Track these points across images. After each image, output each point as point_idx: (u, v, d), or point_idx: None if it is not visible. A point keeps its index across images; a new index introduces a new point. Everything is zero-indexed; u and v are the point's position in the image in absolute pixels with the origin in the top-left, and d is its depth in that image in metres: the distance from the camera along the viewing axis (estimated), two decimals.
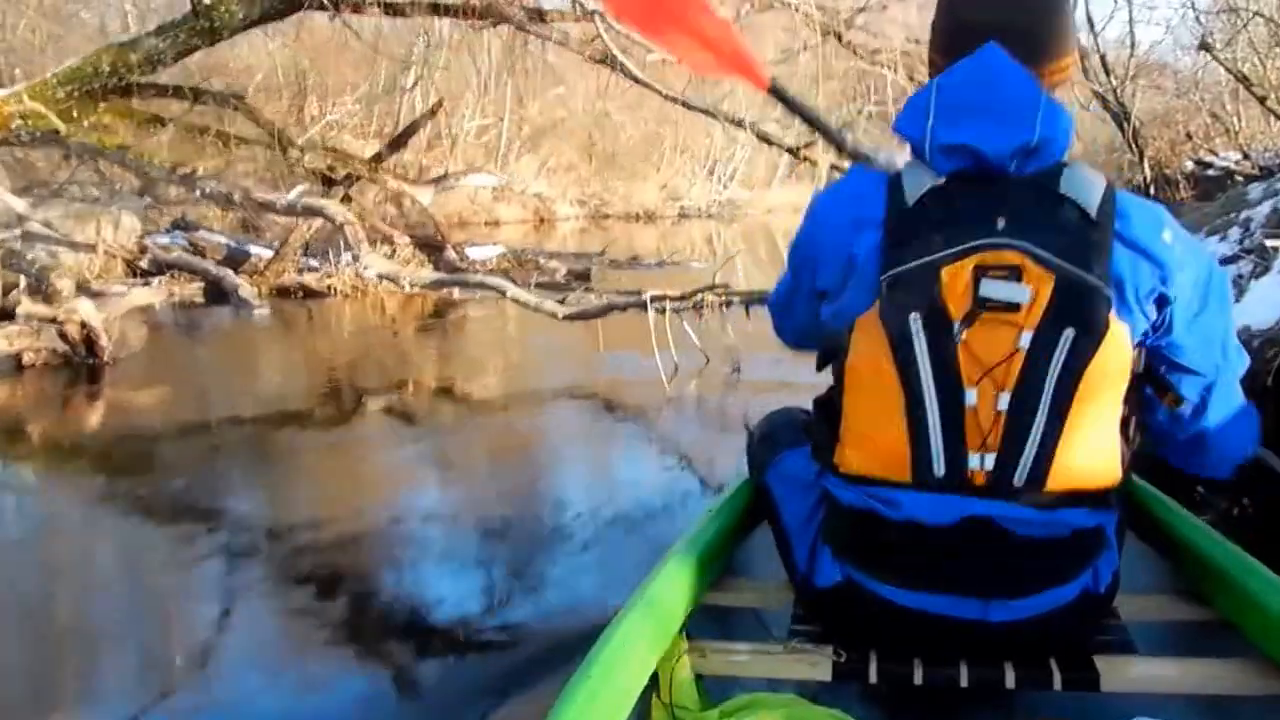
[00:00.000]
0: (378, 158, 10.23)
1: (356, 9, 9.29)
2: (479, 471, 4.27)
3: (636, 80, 8.80)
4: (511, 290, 6.59)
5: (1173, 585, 1.96)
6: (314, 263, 10.36)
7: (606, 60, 8.65)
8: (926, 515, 1.55)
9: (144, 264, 10.00)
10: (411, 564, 3.13)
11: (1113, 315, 1.51)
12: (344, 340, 7.90)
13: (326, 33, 21.48)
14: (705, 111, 9.58)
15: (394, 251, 10.10)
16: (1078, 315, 1.49)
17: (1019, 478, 1.52)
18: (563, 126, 23.50)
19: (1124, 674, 1.62)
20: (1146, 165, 9.83)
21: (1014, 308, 1.48)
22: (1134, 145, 10.13)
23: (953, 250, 1.50)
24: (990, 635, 1.58)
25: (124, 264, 10.12)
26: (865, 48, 10.84)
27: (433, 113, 10.62)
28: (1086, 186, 1.52)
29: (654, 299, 6.15)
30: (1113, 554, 1.65)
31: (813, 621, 1.78)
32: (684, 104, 9.50)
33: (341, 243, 8.03)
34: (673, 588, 1.73)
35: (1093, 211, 1.51)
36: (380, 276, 7.42)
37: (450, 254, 10.38)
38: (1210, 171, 9.57)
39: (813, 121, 1.67)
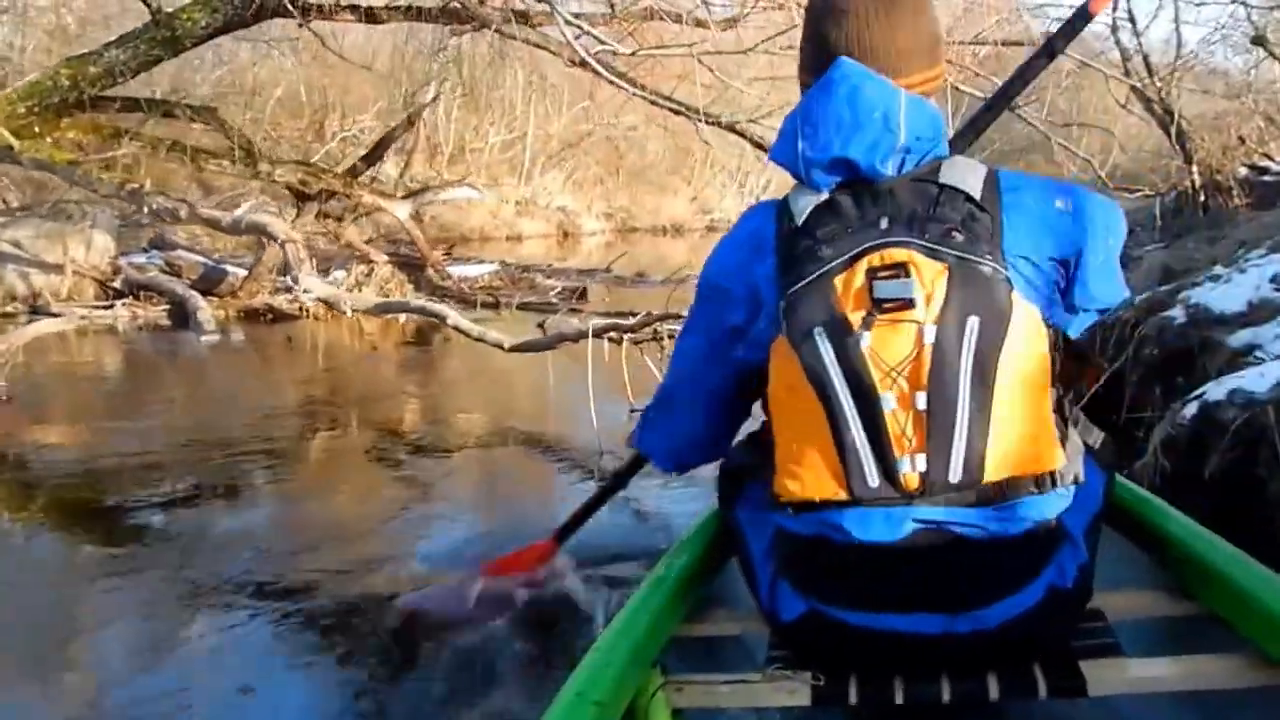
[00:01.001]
0: (353, 172, 9.47)
1: (325, 15, 8.53)
2: (400, 529, 3.57)
3: (614, 83, 7.97)
4: (452, 318, 5.79)
5: (1157, 582, 1.91)
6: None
7: (585, 64, 7.84)
8: (873, 534, 1.51)
9: (116, 284, 9.37)
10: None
11: (1017, 295, 1.49)
12: (298, 367, 7.11)
13: (349, 51, 21.25)
14: (680, 111, 8.70)
15: (371, 270, 9.32)
16: (978, 302, 1.46)
17: (953, 474, 1.47)
18: (589, 140, 22.69)
19: (1112, 676, 1.58)
20: (1195, 170, 8.90)
21: (909, 304, 1.45)
22: (1181, 149, 9.16)
23: (842, 259, 1.49)
24: (965, 647, 1.53)
25: (96, 285, 9.50)
26: None
27: (410, 123, 9.82)
28: (967, 174, 1.53)
29: (610, 328, 5.31)
30: (1077, 548, 1.59)
31: (789, 649, 1.70)
32: (671, 108, 8.65)
33: (298, 261, 7.23)
34: (645, 621, 1.68)
35: (977, 195, 1.50)
36: (318, 300, 6.61)
37: (431, 273, 9.58)
38: (1266, 177, 8.68)
39: None
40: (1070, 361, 1.67)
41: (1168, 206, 9.18)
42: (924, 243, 1.47)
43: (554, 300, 9.39)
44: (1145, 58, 9.96)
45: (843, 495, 1.51)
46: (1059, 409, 1.61)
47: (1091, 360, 1.80)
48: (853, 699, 1.58)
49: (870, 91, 1.52)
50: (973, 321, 1.45)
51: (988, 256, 1.47)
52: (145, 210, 7.24)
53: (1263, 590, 1.63)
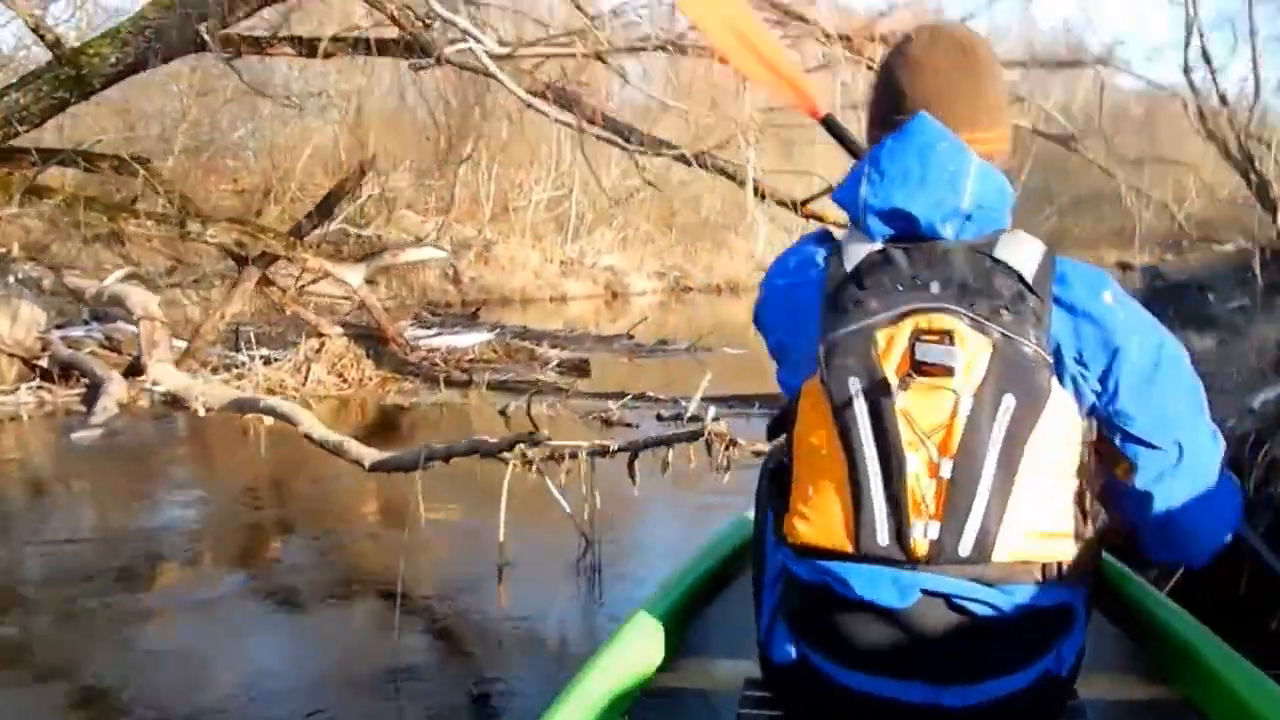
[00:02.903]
0: (297, 232, 7.96)
1: (259, 50, 7.09)
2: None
3: (575, 125, 6.38)
4: (305, 424, 4.22)
5: (1135, 664, 1.84)
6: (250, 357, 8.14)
7: (550, 96, 6.31)
8: (875, 595, 1.42)
9: (44, 362, 7.96)
10: None
11: (1054, 383, 1.43)
12: (163, 477, 5.53)
13: (380, 105, 20.19)
14: (625, 146, 7.06)
15: (322, 346, 7.75)
16: (1017, 381, 1.40)
17: (963, 548, 1.39)
18: (640, 196, 21.09)
19: None
20: None
21: (949, 372, 1.38)
22: (1263, 199, 8.23)
23: (888, 315, 1.42)
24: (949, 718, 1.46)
25: (20, 363, 8.10)
26: None
27: (362, 172, 8.25)
28: (1024, 252, 1.46)
29: (527, 440, 3.72)
30: (1077, 635, 1.52)
31: (765, 705, 1.63)
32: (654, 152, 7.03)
33: (150, 345, 5.62)
34: (615, 672, 1.62)
35: (1030, 277, 1.44)
36: (166, 395, 4.97)
37: (395, 346, 7.99)
38: None
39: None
40: (1099, 459, 1.55)
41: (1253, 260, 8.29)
42: (972, 314, 1.40)
43: (540, 378, 7.73)
44: (1223, 97, 8.95)
45: (849, 549, 1.42)
46: (1080, 501, 1.49)
47: (1123, 457, 1.48)
48: None
49: (943, 149, 1.47)
50: (1008, 400, 1.39)
51: (1032, 339, 1.41)
52: (10, 279, 5.71)
53: (1239, 680, 1.58)
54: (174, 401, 5.04)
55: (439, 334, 9.48)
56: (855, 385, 1.41)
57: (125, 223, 7.54)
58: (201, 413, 4.68)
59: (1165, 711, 1.72)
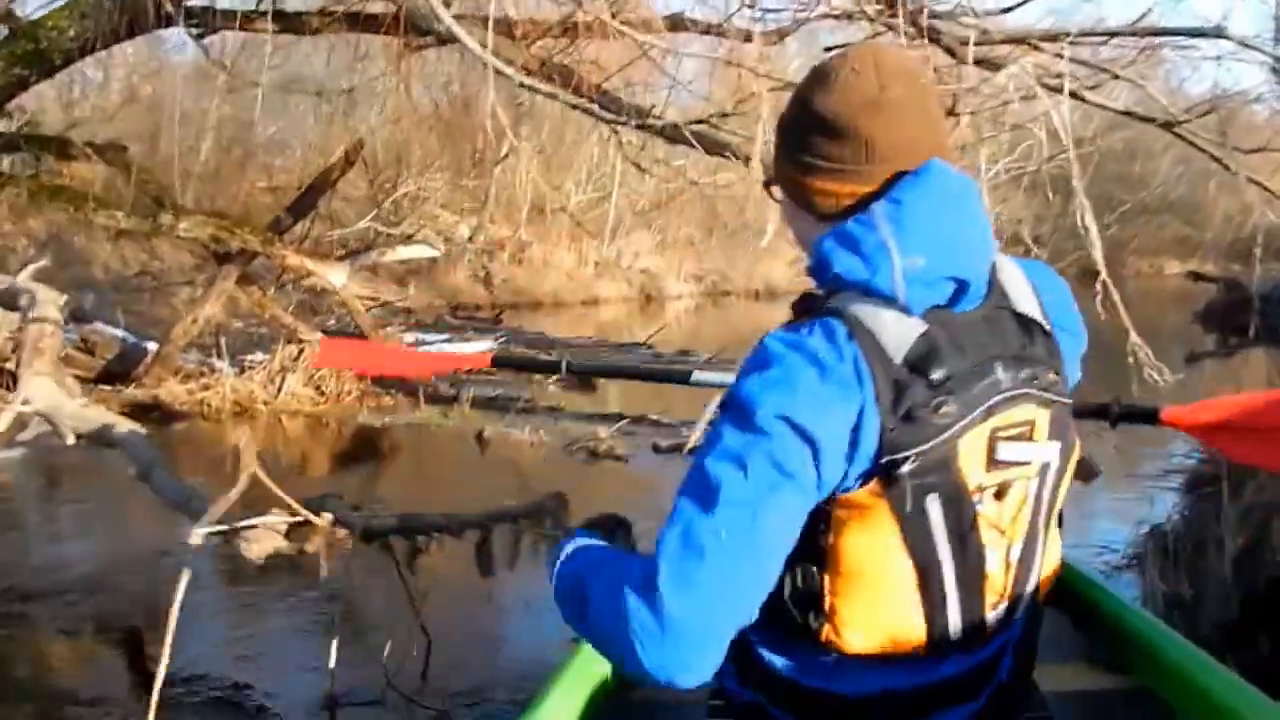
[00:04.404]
0: (277, 226, 7.08)
1: (236, 26, 6.27)
2: None
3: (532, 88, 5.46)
4: (156, 477, 3.21)
5: (1090, 655, 1.87)
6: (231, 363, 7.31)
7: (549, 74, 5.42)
8: (891, 682, 1.32)
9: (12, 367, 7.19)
10: None
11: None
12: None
13: (424, 103, 19.38)
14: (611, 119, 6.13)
15: (301, 352, 6.90)
16: (1064, 440, 1.32)
17: (1019, 613, 1.36)
18: (682, 199, 20.12)
19: None
20: None
21: (1027, 464, 1.28)
22: None
23: (969, 418, 1.22)
24: None
25: None
26: None
27: (349, 161, 7.35)
28: (1016, 285, 1.33)
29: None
30: (1016, 635, 1.42)
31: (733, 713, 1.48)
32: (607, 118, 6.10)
33: (33, 354, 4.74)
34: (581, 683, 1.59)
35: (1041, 320, 1.32)
36: (38, 415, 4.07)
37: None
38: None
39: None
40: None
41: None
42: (1038, 392, 1.28)
43: (526, 397, 6.81)
44: None
45: (920, 654, 1.29)
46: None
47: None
48: None
49: (973, 202, 1.28)
50: (1057, 460, 1.32)
51: (1066, 391, 1.34)
52: None
53: (1193, 666, 1.61)
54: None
55: (435, 342, 8.61)
56: (933, 501, 1.24)
57: (93, 214, 6.75)
58: (69, 440, 3.79)
59: (1125, 699, 1.73)
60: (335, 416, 6.48)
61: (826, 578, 1.28)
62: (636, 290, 18.79)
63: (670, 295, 19.11)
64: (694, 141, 5.85)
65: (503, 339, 9.15)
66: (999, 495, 1.27)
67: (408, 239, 8.80)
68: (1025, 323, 1.30)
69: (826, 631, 1.30)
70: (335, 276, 6.81)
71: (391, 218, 17.46)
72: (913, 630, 1.28)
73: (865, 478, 1.21)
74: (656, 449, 5.47)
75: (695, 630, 1.16)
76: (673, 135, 6.32)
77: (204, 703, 2.78)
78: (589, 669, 1.62)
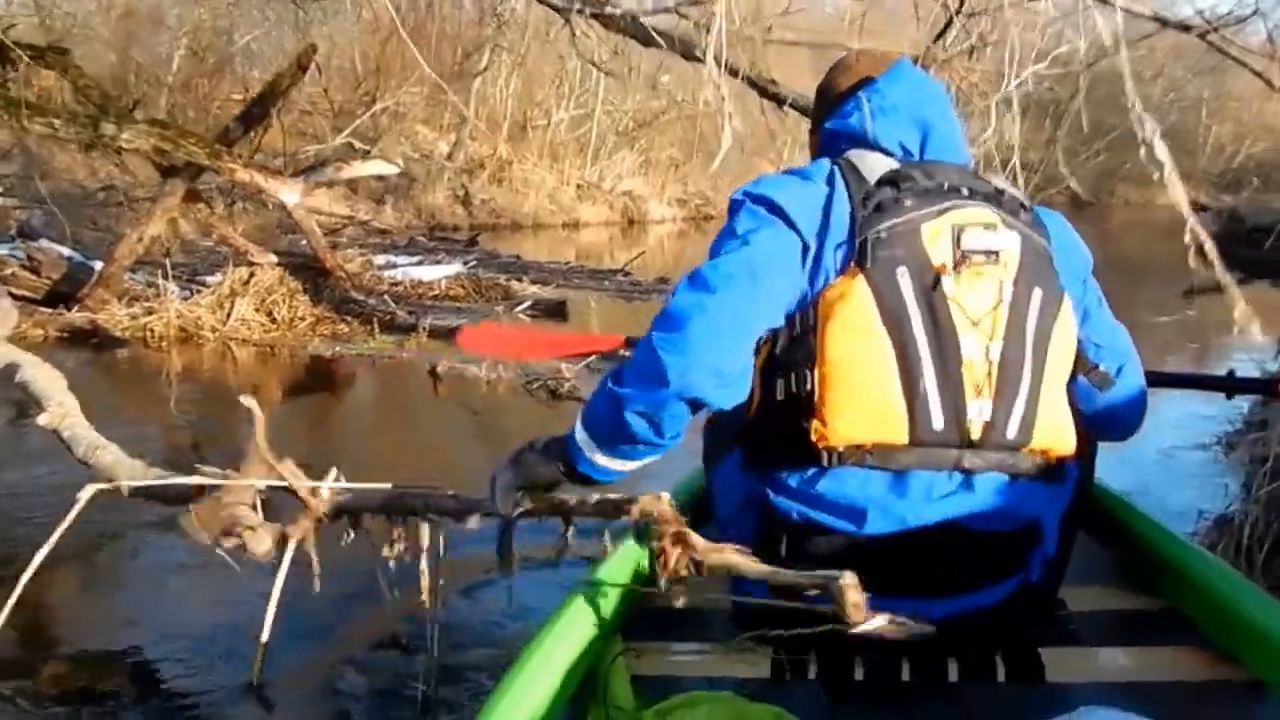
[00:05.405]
0: (225, 138, 6.47)
1: None
2: None
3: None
4: (51, 413, 2.73)
5: (1120, 577, 1.85)
6: (176, 286, 6.78)
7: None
8: (880, 526, 1.43)
9: None
10: None
11: (1062, 283, 1.52)
12: None
13: (400, 18, 18.47)
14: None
15: (252, 276, 6.38)
16: (1042, 277, 1.48)
17: (1010, 430, 1.44)
18: (666, 118, 19.41)
19: (1069, 664, 1.54)
20: None
21: (994, 258, 1.44)
22: None
23: (929, 209, 1.45)
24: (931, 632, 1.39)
25: None
26: None
27: (300, 68, 6.68)
28: (1012, 188, 1.54)
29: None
30: (1046, 546, 1.55)
31: (750, 621, 1.52)
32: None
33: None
34: (609, 588, 1.58)
35: (1025, 201, 1.54)
36: None
37: (337, 280, 6.59)
38: None
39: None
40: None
41: None
42: (1002, 212, 1.48)
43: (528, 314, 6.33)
44: None
45: (904, 439, 1.42)
46: (1070, 400, 1.55)
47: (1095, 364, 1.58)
48: (812, 674, 1.52)
49: (935, 85, 1.66)
50: (1037, 292, 1.46)
51: (1043, 242, 1.51)
52: None
53: (1221, 587, 1.59)
54: None
55: (405, 265, 8.08)
56: (904, 275, 1.41)
57: (29, 122, 6.16)
58: None
59: (1150, 620, 1.71)
60: (287, 344, 5.98)
61: (814, 373, 1.43)
62: (619, 213, 18.18)
63: (653, 219, 18.50)
64: (649, 35, 5.30)
65: (472, 264, 8.61)
66: (968, 281, 1.42)
67: (365, 154, 8.13)
68: (995, 187, 1.51)
69: (817, 429, 1.42)
70: (288, 195, 6.24)
71: (371, 134, 16.85)
72: (895, 408, 1.40)
73: (844, 262, 1.42)
74: None
75: (708, 328, 1.35)
76: (629, 30, 5.76)
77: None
78: (618, 571, 1.61)
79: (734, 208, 1.50)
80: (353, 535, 1.97)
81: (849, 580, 1.18)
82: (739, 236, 1.44)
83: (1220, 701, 1.49)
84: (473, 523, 1.91)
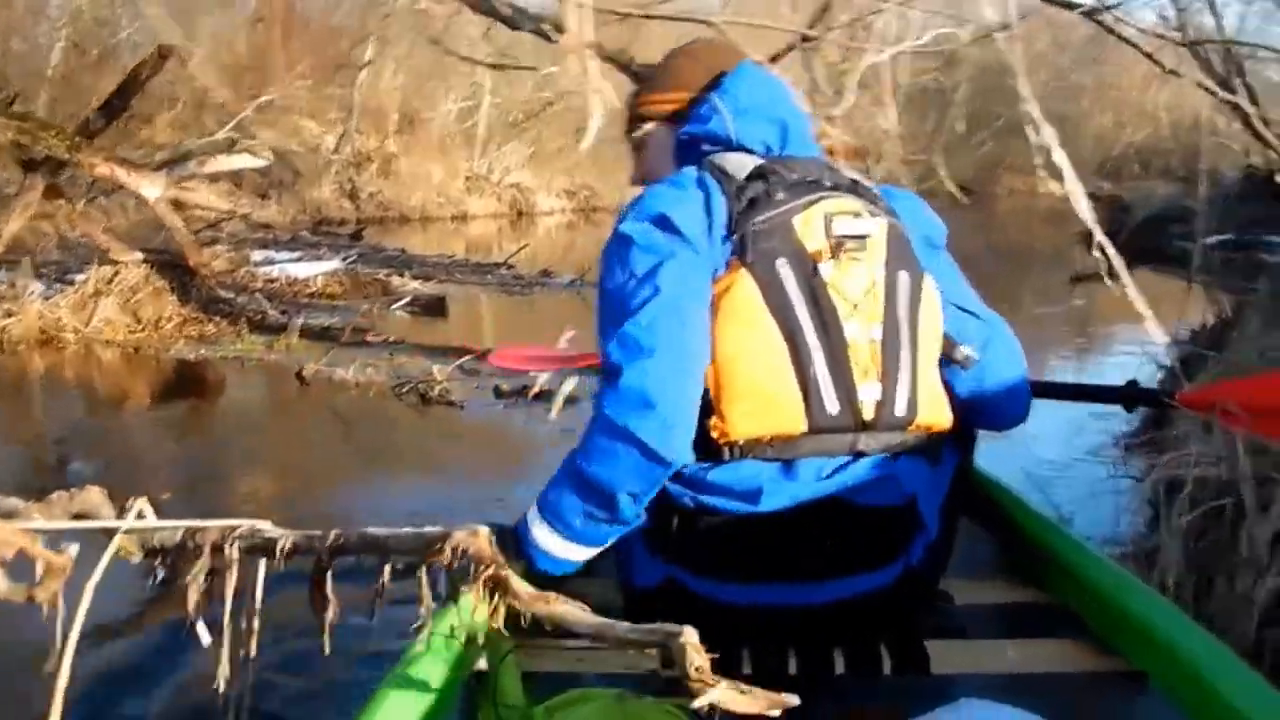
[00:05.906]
0: (86, 130, 6.30)
1: None
2: None
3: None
4: None
5: (1004, 569, 1.87)
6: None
7: None
8: (769, 505, 1.45)
9: None
10: None
11: (923, 264, 1.56)
12: None
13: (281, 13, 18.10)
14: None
15: (116, 275, 6.24)
16: (906, 260, 1.53)
17: (899, 408, 1.48)
18: (553, 110, 19.38)
19: (954, 657, 1.57)
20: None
21: (863, 242, 1.49)
22: (1249, 124, 6.93)
23: (799, 201, 1.50)
24: (816, 620, 1.51)
25: None
26: None
27: (162, 58, 6.56)
28: (859, 174, 1.62)
29: None
30: (927, 531, 1.56)
31: (641, 614, 1.42)
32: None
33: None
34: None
35: (876, 189, 1.61)
36: None
37: (202, 279, 6.48)
38: None
39: None
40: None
41: (1226, 190, 7.57)
42: (863, 201, 1.54)
43: (364, 325, 6.30)
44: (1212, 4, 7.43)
45: (801, 427, 1.44)
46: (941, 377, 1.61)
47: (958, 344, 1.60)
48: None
49: (779, 84, 1.70)
50: (904, 275, 1.51)
51: (902, 224, 1.56)
52: None
53: (1103, 580, 1.60)
54: None
55: (284, 261, 7.98)
56: (784, 265, 1.46)
57: None
58: None
59: (1039, 612, 1.72)
60: (153, 346, 5.86)
61: (712, 370, 1.44)
62: (507, 205, 18.12)
63: (541, 210, 18.49)
64: (512, 19, 5.34)
65: (353, 259, 8.54)
66: (842, 266, 1.46)
67: (230, 146, 7.97)
68: (855, 180, 1.57)
69: (715, 425, 1.44)
70: (148, 189, 6.09)
71: (254, 127, 16.45)
72: (790, 397, 1.43)
73: (726, 258, 1.46)
74: (499, 393, 4.83)
75: (671, 393, 1.37)
76: (494, 12, 5.79)
77: None
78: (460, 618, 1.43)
79: (623, 243, 1.48)
80: (161, 576, 1.94)
81: (689, 639, 1.02)
82: (645, 279, 1.44)
83: (1104, 693, 1.51)
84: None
